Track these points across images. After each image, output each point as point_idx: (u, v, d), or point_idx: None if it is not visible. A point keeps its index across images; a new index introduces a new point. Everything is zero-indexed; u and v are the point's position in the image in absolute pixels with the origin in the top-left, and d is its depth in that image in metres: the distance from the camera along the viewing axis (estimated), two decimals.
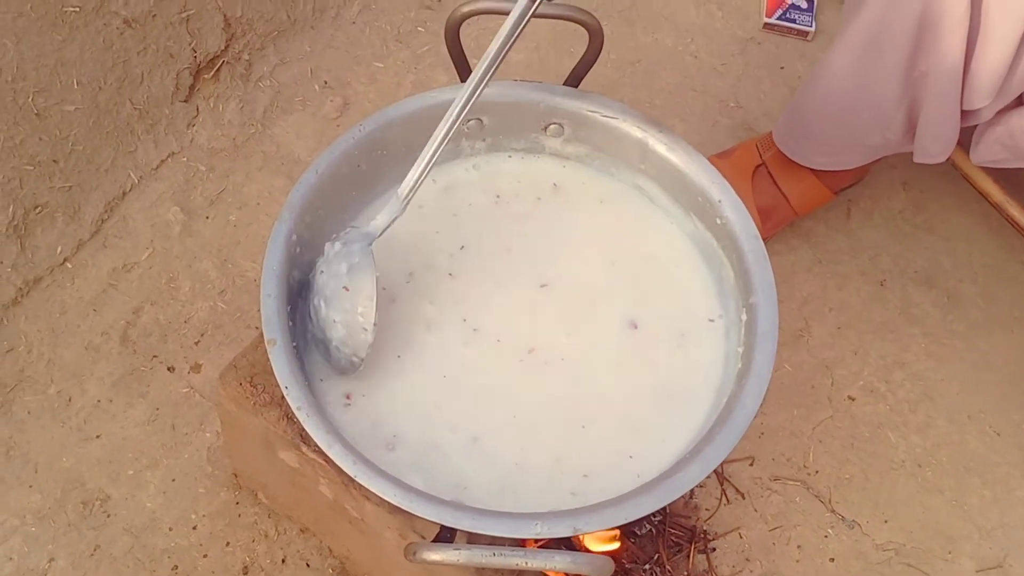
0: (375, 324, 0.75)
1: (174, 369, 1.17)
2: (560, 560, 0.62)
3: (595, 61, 0.89)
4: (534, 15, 0.84)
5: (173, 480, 1.10)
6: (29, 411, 1.12)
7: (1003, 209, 1.25)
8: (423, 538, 0.84)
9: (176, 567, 1.06)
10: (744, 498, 1.15)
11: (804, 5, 1.52)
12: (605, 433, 0.79)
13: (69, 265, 1.21)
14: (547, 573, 0.81)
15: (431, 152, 0.77)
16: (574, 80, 0.90)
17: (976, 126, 1.10)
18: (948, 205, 1.37)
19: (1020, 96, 1.03)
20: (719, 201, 0.84)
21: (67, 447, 1.11)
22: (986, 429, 1.21)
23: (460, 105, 0.77)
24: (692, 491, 1.14)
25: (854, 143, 1.19)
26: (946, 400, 1.23)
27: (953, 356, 1.26)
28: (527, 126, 0.91)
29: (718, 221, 0.84)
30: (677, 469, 0.72)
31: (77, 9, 1.13)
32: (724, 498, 1.14)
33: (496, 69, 0.77)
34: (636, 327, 0.84)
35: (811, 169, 1.26)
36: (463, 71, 0.89)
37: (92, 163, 1.21)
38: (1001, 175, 1.24)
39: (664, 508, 1.11)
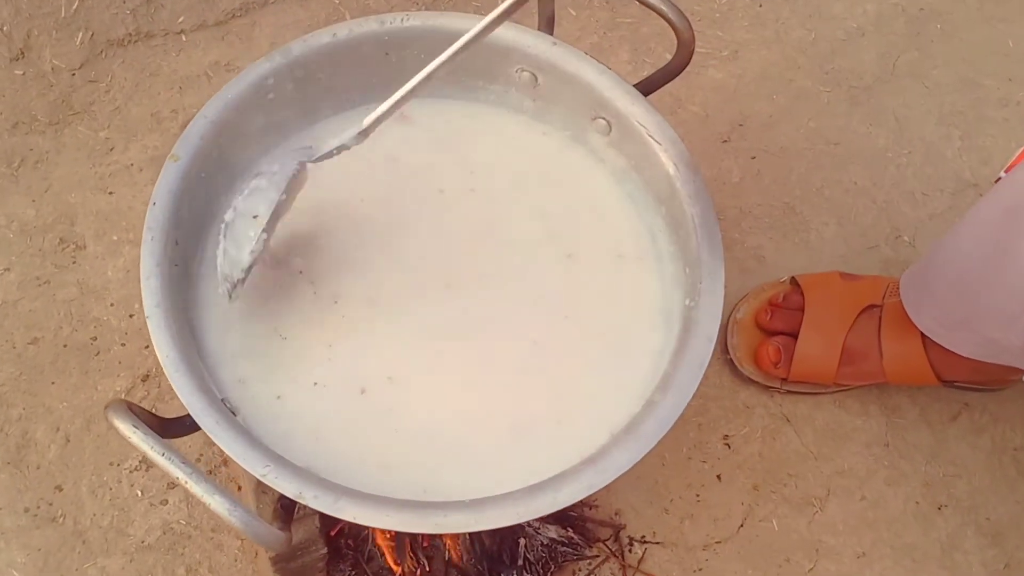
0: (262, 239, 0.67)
1: None
2: (219, 501, 0.53)
3: (679, 72, 0.77)
4: None
5: None
6: (74, 139, 1.16)
7: None
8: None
9: (95, 339, 1.07)
10: None
11: None
12: None
13: (183, 38, 1.23)
14: None
15: (413, 84, 0.64)
16: (647, 86, 0.78)
17: None
18: None
19: None
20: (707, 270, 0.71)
21: (82, 187, 1.14)
22: None
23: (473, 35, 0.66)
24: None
25: (969, 324, 0.98)
26: None
27: None
28: (577, 109, 0.80)
29: (699, 284, 0.71)
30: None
31: None
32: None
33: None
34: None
35: (923, 340, 1.05)
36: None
37: None
38: None
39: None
